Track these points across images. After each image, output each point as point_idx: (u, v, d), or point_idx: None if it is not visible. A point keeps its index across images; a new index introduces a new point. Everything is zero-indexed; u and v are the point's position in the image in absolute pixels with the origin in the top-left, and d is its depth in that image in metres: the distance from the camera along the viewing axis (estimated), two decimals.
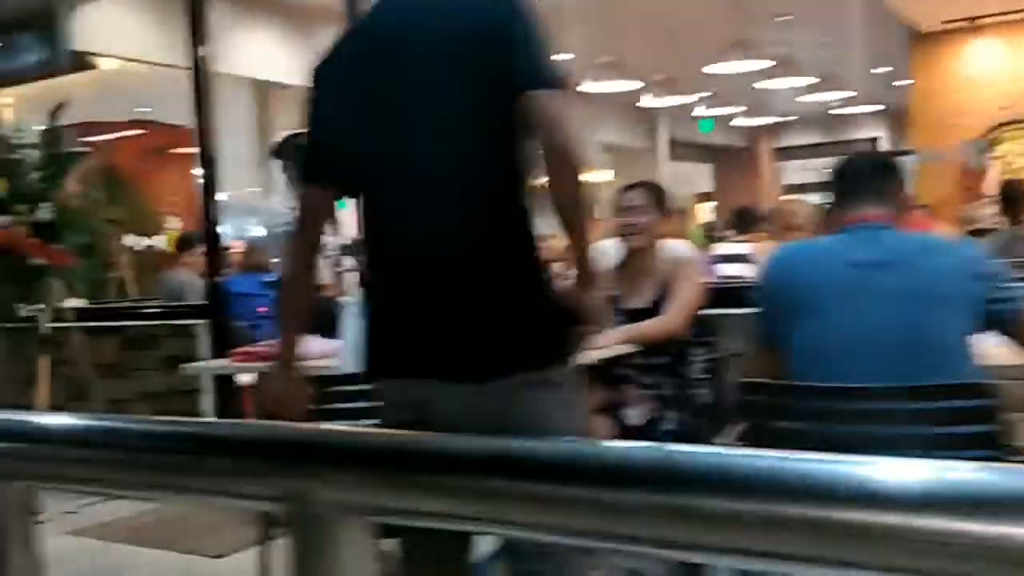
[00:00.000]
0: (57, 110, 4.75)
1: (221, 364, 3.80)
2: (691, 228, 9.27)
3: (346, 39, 1.80)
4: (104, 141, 8.78)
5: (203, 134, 4.89)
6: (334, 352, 3.40)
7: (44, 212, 4.47)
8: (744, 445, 2.10)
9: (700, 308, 3.28)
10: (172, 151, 9.76)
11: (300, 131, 5.63)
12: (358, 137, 1.70)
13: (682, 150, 15.83)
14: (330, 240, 5.16)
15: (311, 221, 1.80)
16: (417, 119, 1.64)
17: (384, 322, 1.70)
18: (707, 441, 3.01)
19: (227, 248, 5.90)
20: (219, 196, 5.00)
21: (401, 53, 1.65)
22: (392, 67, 1.66)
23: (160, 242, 8.56)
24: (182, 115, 9.67)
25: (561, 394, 1.64)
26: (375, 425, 1.75)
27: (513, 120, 1.60)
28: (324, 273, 5.13)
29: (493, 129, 1.62)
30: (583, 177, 1.65)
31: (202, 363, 4.27)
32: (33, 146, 4.76)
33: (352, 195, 1.79)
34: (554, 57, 1.65)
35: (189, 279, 6.54)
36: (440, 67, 1.64)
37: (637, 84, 10.55)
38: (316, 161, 1.80)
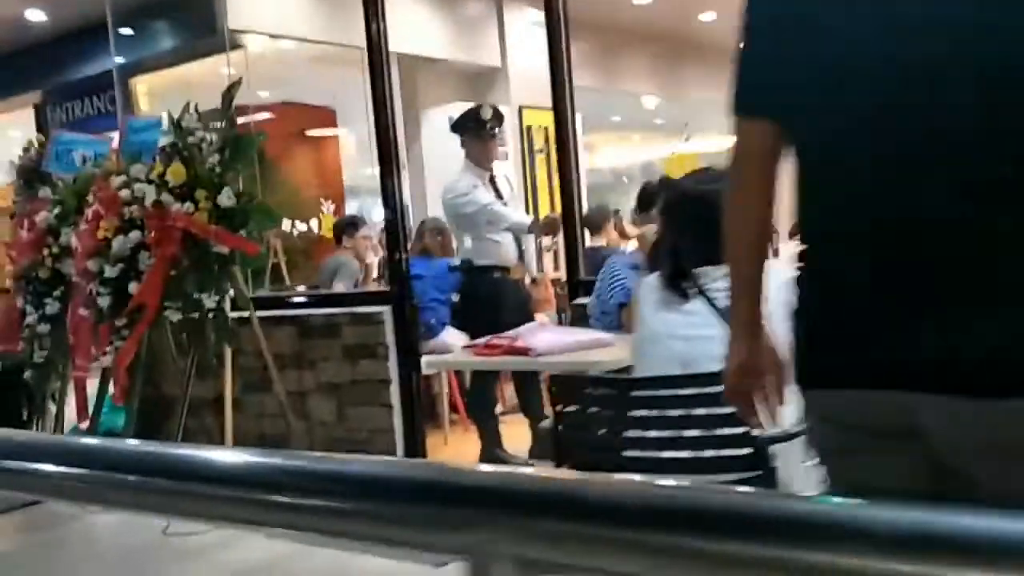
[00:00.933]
0: (231, 90, 4.55)
1: (464, 359, 3.56)
2: None
3: None
4: (249, 124, 8.70)
5: (380, 111, 4.63)
6: (595, 344, 3.09)
7: (224, 198, 4.29)
8: None
9: None
10: (311, 132, 9.65)
11: (479, 105, 5.32)
12: (820, 60, 1.25)
13: None
14: (512, 216, 4.86)
15: (750, 168, 1.38)
16: (916, 41, 1.18)
17: (841, 314, 1.27)
18: None
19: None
20: (399, 176, 4.74)
21: None
22: None
23: (314, 226, 8.45)
24: (320, 95, 9.58)
25: None
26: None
27: None
28: (509, 254, 4.84)
29: None
30: None
31: (442, 356, 4.11)
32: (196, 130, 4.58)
33: (796, 138, 1.32)
34: None
35: (348, 263, 6.37)
36: None
37: None
38: (751, 87, 1.35)
